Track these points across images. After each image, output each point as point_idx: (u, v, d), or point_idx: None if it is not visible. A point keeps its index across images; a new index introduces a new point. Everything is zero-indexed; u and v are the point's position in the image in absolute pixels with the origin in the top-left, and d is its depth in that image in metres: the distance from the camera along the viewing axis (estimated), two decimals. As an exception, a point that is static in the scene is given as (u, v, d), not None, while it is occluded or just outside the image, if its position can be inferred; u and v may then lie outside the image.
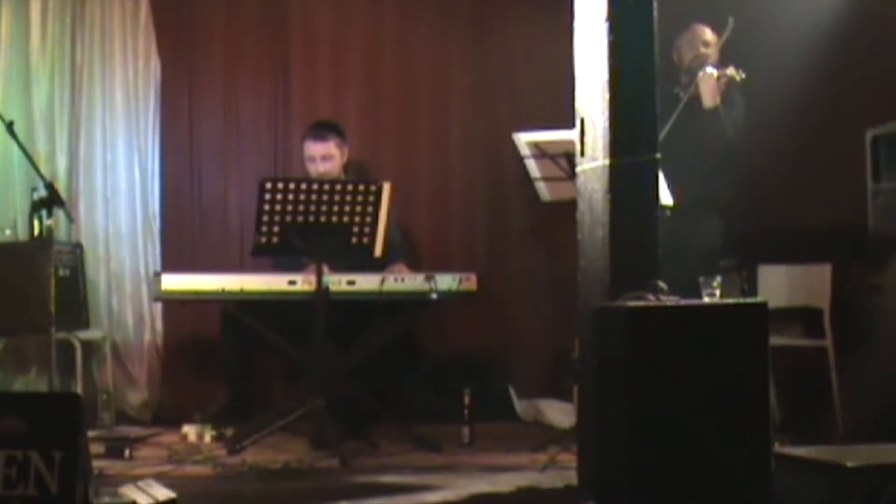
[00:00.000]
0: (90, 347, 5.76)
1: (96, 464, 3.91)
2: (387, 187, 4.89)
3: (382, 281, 5.05)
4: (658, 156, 3.80)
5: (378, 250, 4.96)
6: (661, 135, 3.95)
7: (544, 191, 5.06)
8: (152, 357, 5.96)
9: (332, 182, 4.92)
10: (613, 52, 3.76)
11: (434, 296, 5.06)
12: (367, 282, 5.06)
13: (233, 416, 5.22)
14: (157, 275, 5.13)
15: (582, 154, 3.94)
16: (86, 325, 5.70)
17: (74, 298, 5.60)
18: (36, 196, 4.87)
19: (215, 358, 5.58)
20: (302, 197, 4.79)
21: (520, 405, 5.80)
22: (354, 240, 4.91)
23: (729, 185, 5.24)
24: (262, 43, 6.09)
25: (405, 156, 6.10)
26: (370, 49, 6.14)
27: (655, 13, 3.79)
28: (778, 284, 5.28)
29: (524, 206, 5.87)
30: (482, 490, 4.03)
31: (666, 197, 4.65)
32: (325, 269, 4.94)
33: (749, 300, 3.71)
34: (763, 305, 3.55)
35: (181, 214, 6.01)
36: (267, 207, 4.78)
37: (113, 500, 3.59)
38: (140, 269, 5.98)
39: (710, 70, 5.20)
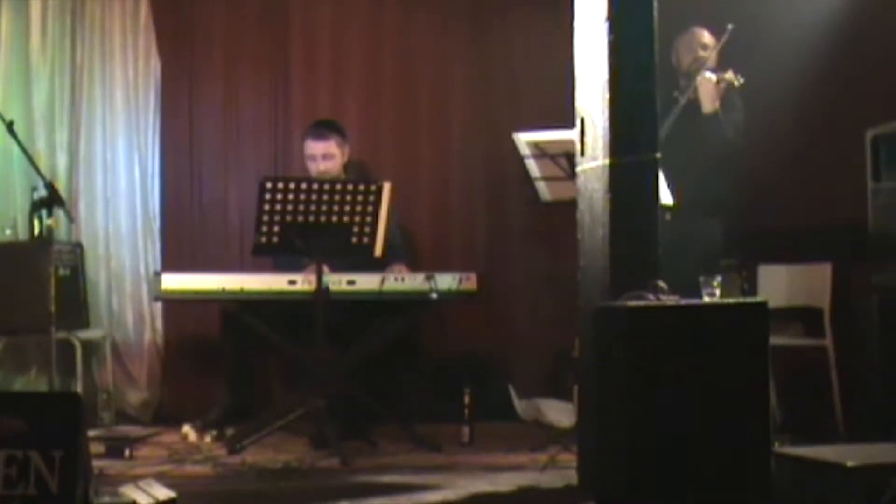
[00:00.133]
0: (90, 347, 5.76)
1: (96, 463, 3.91)
2: (387, 187, 4.89)
3: (382, 281, 5.05)
4: (658, 155, 3.80)
5: (378, 250, 4.96)
6: (660, 138, 3.95)
7: (544, 191, 5.06)
8: (152, 357, 5.96)
9: (333, 182, 4.92)
10: (613, 52, 3.76)
11: (434, 296, 5.07)
12: (367, 282, 5.06)
13: (233, 423, 5.21)
14: (158, 274, 5.13)
15: (582, 154, 3.94)
16: (86, 324, 5.70)
17: (74, 298, 5.60)
18: (36, 196, 4.88)
19: (215, 358, 5.57)
20: (302, 197, 4.79)
21: (520, 405, 5.80)
22: (354, 240, 4.91)
23: (729, 186, 5.24)
24: (262, 43, 6.09)
25: (405, 156, 6.10)
26: (370, 49, 6.14)
27: (655, 13, 3.80)
28: (778, 284, 5.28)
29: (524, 206, 5.86)
30: (482, 490, 4.03)
31: (666, 197, 4.65)
32: (325, 268, 4.94)
33: (749, 300, 3.71)
34: (763, 305, 3.56)
35: (181, 214, 6.01)
36: (267, 207, 4.78)
37: (113, 500, 3.59)
38: (140, 268, 5.98)
39: (709, 75, 5.20)
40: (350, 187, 4.87)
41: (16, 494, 3.18)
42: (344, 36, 6.12)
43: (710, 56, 5.30)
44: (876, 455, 3.56)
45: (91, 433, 4.21)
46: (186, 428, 5.17)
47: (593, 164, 3.84)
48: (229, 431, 5.09)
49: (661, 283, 3.56)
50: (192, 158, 6.02)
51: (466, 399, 5.04)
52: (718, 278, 3.69)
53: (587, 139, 3.90)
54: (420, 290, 5.07)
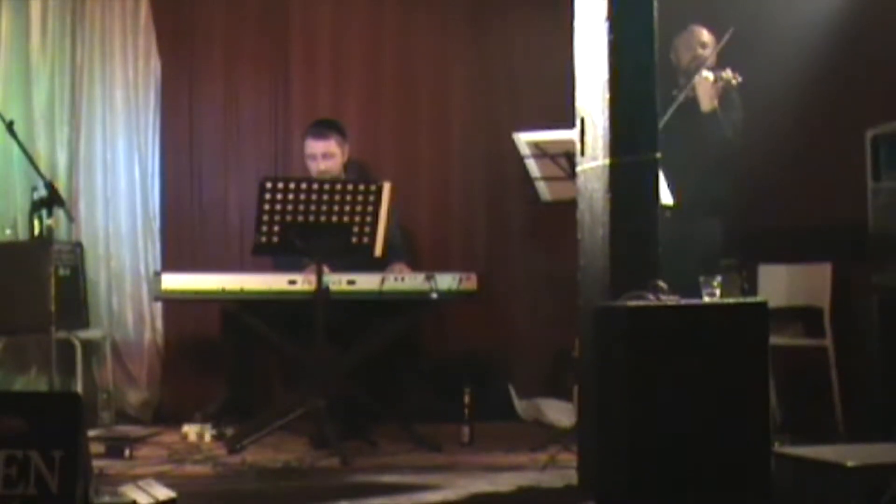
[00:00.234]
0: (90, 347, 5.76)
1: (96, 463, 3.91)
2: (387, 187, 4.89)
3: (382, 281, 5.05)
4: (658, 155, 3.80)
5: (378, 250, 4.96)
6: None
7: (544, 191, 5.06)
8: (152, 356, 5.96)
9: (333, 182, 4.92)
10: (613, 51, 3.76)
11: (434, 295, 5.07)
12: (367, 282, 5.06)
13: (233, 416, 5.22)
14: (158, 274, 5.13)
15: (582, 154, 3.94)
16: (86, 324, 5.70)
17: (74, 298, 5.60)
18: (36, 195, 4.86)
19: (215, 358, 5.58)
20: (302, 196, 4.79)
21: (520, 405, 5.80)
22: (354, 239, 4.91)
23: (729, 186, 5.24)
24: (262, 43, 6.09)
25: (405, 156, 6.10)
26: (370, 49, 6.14)
27: (655, 13, 3.80)
28: (778, 284, 5.28)
29: (524, 206, 5.87)
30: (482, 490, 4.03)
31: (666, 197, 4.65)
32: (325, 268, 4.94)
33: (749, 300, 3.72)
34: (763, 305, 3.56)
35: (181, 214, 6.01)
36: (267, 207, 4.78)
37: (113, 500, 3.59)
38: (140, 268, 5.97)
39: (707, 73, 5.20)
40: (350, 187, 4.87)
41: (16, 494, 3.18)
42: (344, 36, 6.12)
43: (709, 54, 5.30)
44: (876, 455, 3.56)
45: (91, 433, 4.22)
46: (186, 428, 5.17)
47: (593, 163, 3.84)
48: (229, 430, 5.09)
49: (661, 283, 3.56)
50: (192, 158, 6.02)
51: (466, 399, 5.04)
52: (718, 278, 3.69)
53: (587, 139, 3.90)
54: (420, 290, 5.07)
